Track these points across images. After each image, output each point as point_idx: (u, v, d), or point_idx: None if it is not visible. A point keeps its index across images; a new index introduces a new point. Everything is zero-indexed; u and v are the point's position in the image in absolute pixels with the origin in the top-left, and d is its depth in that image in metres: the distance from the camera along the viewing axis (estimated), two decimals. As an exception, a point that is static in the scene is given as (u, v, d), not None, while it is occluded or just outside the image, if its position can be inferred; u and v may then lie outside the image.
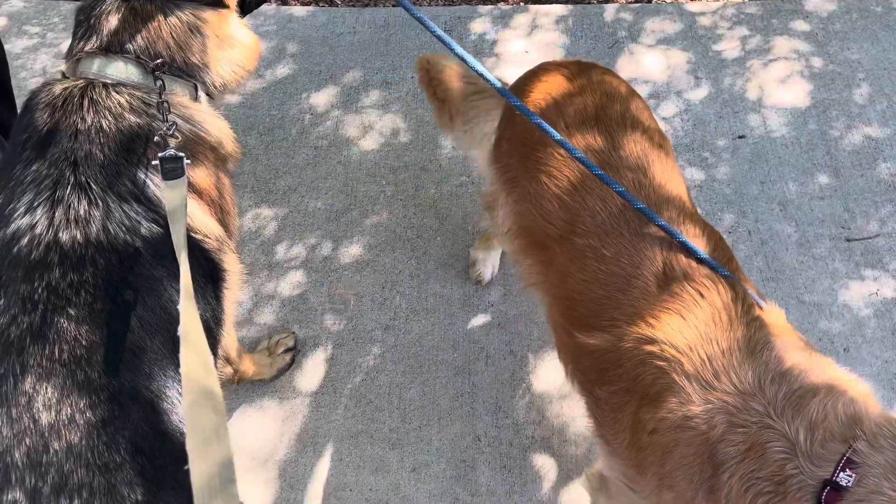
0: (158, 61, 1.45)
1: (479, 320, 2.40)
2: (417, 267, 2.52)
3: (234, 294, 1.60)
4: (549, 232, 1.63)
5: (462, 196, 2.68)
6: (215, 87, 1.58)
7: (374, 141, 2.86)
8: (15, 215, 1.27)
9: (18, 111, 1.53)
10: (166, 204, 1.29)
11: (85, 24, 1.48)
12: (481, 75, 1.49)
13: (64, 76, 1.48)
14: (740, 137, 2.80)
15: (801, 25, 3.17)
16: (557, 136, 1.47)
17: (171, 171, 1.32)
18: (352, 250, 2.57)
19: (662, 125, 2.71)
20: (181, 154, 1.33)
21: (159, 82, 1.41)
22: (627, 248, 1.48)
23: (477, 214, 2.61)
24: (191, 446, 1.01)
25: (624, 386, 1.42)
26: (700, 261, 1.44)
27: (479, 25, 3.23)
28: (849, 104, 2.89)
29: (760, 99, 2.93)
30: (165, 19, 1.47)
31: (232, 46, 1.60)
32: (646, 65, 3.05)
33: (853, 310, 2.40)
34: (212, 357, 1.11)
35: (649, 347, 1.36)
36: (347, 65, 3.10)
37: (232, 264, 1.57)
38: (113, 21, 1.46)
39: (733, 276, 1.44)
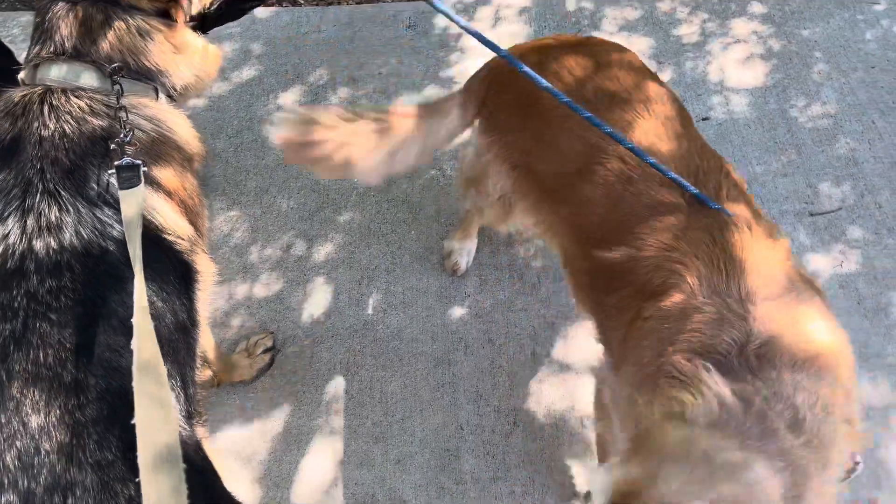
0: (116, 65, 1.45)
1: (457, 311, 2.43)
2: (393, 261, 2.54)
3: (207, 295, 1.60)
4: (566, 170, 1.69)
5: (434, 189, 2.70)
6: (175, 90, 1.58)
7: (344, 138, 2.86)
8: None
9: None
10: (123, 214, 1.28)
11: (40, 28, 1.48)
12: (484, 41, 1.44)
13: (23, 83, 1.47)
14: (704, 119, 2.86)
15: (757, 7, 3.24)
16: (565, 98, 1.47)
17: (128, 179, 1.31)
18: (326, 248, 2.57)
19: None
20: (138, 161, 1.33)
21: (117, 86, 1.41)
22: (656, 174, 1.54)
23: (449, 207, 2.63)
24: (141, 462, 1.02)
25: (634, 289, 1.49)
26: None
27: (443, 19, 3.25)
28: (807, 82, 2.96)
29: (722, 81, 2.99)
30: (111, 24, 1.47)
31: (189, 53, 1.61)
32: (609, 52, 3.09)
33: (821, 282, 2.45)
34: (165, 369, 1.12)
35: (669, 253, 1.44)
36: (313, 64, 3.11)
37: (204, 265, 1.57)
38: (64, 26, 1.46)
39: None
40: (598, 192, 1.62)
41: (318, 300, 2.46)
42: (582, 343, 2.32)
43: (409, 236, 2.60)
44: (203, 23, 1.69)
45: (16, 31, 3.29)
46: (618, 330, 1.55)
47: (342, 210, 2.66)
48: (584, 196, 1.65)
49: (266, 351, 2.29)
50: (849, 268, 2.48)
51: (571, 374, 2.28)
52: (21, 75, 1.50)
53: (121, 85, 1.43)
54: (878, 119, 2.82)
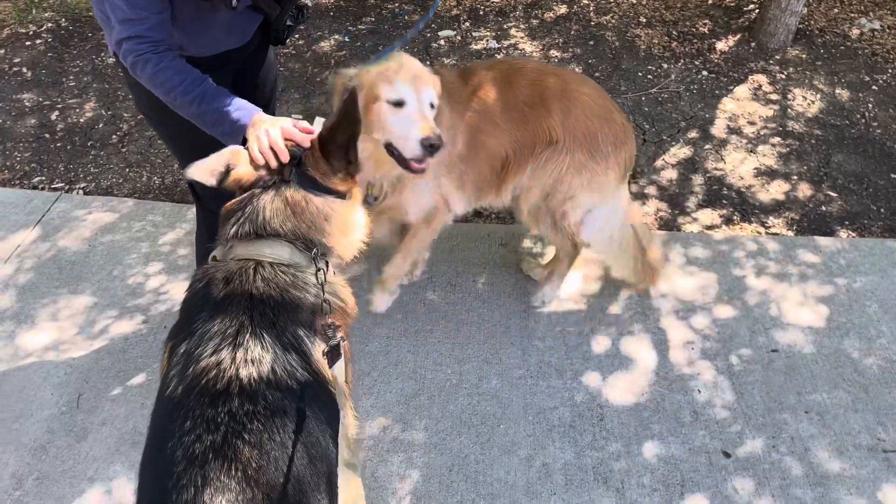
0: (315, 251, 1.76)
1: (543, 507, 2.50)
2: (482, 452, 2.67)
3: (345, 438, 1.79)
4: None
5: (522, 388, 2.90)
6: (336, 259, 1.91)
7: (440, 333, 3.14)
8: (203, 356, 1.53)
9: None
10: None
11: (239, 212, 1.77)
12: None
13: (214, 258, 1.79)
14: (773, 351, 3.08)
15: (810, 257, 3.59)
16: None
17: (332, 358, 1.61)
18: (420, 433, 2.73)
19: (692, 335, 3.02)
20: (340, 345, 1.65)
21: (321, 274, 1.72)
22: None
23: (536, 404, 2.81)
24: None
25: None
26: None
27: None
28: (867, 328, 3.19)
29: (786, 319, 3.24)
30: (308, 206, 1.79)
31: (351, 230, 1.92)
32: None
33: (900, 519, 2.50)
34: None
35: None
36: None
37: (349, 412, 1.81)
38: (269, 210, 1.76)
39: None
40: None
41: (410, 482, 2.56)
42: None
43: (498, 430, 2.75)
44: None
45: (159, 217, 3.79)
46: None
47: (436, 399, 2.85)
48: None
49: (363, 525, 2.37)
50: (927, 507, 2.53)
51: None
52: (216, 252, 1.81)
53: (325, 271, 1.75)
54: (939, 367, 3.00)
